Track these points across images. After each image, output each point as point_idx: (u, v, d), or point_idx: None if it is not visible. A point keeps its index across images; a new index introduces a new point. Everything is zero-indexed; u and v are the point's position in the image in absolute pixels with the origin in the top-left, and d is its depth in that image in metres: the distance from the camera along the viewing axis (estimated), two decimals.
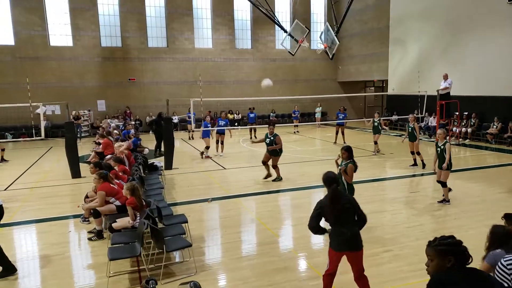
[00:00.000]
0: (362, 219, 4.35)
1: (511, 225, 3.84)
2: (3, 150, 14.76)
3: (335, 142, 16.77)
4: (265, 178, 10.74)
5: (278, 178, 10.64)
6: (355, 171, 6.55)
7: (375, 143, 14.46)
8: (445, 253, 2.61)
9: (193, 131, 19.33)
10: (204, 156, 14.45)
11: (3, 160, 14.56)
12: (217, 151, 15.03)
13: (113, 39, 23.29)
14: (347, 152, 6.58)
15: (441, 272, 2.62)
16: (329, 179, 4.39)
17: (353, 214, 4.31)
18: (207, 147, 14.42)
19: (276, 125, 13.09)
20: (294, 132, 21.48)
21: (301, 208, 8.58)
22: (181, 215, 6.76)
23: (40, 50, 21.82)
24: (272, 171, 10.72)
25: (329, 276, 4.45)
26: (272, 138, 10.44)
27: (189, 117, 18.43)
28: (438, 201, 8.39)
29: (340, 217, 4.28)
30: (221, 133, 14.85)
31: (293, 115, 22.94)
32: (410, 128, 11.89)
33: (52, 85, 21.95)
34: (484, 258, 3.52)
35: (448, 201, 8.32)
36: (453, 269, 2.57)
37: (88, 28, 22.57)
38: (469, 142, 16.78)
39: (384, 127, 14.82)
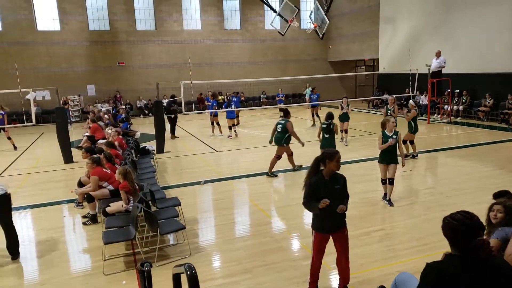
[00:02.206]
0: None
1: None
2: (9, 138, 14.29)
3: (313, 124, 16.67)
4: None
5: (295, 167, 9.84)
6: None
7: (345, 131, 12.65)
8: (445, 237, 2.42)
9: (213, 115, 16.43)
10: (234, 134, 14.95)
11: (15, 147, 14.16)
12: (213, 132, 15.44)
13: (101, 23, 22.88)
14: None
15: (438, 262, 2.44)
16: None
17: None
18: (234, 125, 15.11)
19: (261, 107, 13.67)
20: (280, 117, 20.30)
21: (293, 189, 8.65)
22: (174, 198, 6.79)
23: (28, 34, 21.41)
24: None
25: None
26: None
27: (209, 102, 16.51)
28: (385, 199, 7.20)
29: None
30: (216, 115, 15.30)
31: (277, 98, 21.66)
32: (389, 112, 11.19)
33: (41, 70, 21.65)
34: (492, 234, 3.43)
35: (389, 200, 7.13)
36: (455, 258, 2.38)
37: (76, 12, 22.13)
38: (460, 120, 16.90)
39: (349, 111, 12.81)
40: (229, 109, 15.23)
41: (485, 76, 16.54)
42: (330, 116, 9.09)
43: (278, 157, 9.46)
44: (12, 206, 7.21)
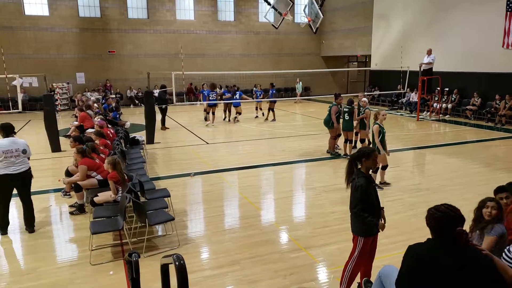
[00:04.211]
0: None
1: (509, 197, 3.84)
2: None
3: (273, 119, 16.80)
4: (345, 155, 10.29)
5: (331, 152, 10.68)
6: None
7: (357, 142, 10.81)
8: (428, 226, 2.65)
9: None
10: (235, 120, 16.55)
11: None
12: (207, 120, 16.03)
13: (92, 9, 22.49)
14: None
15: (419, 244, 2.64)
16: None
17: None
18: (239, 113, 16.66)
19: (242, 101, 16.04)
20: (256, 117, 17.80)
21: (283, 182, 8.69)
22: (163, 189, 6.77)
23: (14, 19, 20.91)
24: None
25: None
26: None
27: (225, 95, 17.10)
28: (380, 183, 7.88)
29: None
30: (213, 105, 15.86)
31: (254, 94, 18.35)
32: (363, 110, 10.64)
33: (29, 56, 21.24)
34: (488, 231, 3.50)
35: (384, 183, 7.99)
36: (435, 241, 2.58)
37: None
38: (449, 118, 17.09)
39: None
40: (232, 100, 16.39)
41: (474, 75, 16.71)
42: (351, 102, 10.20)
43: (335, 137, 10.58)
44: None
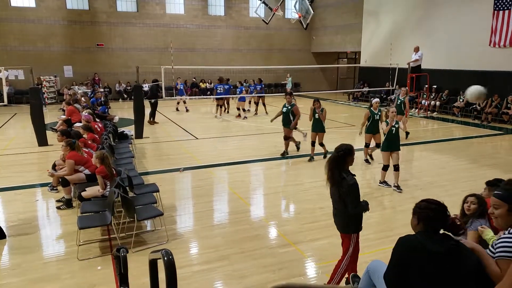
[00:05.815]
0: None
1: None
2: None
3: (256, 113, 17.30)
4: (283, 154, 10.24)
5: (286, 152, 10.32)
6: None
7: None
8: (414, 212, 2.79)
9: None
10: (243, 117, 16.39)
11: None
12: (218, 114, 16.72)
13: (80, 1, 22.13)
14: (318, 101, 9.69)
15: (409, 235, 2.72)
16: None
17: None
18: (244, 109, 16.65)
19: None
20: (244, 118, 16.35)
21: (272, 178, 8.70)
22: (152, 184, 6.72)
23: (0, 10, 20.50)
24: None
25: None
26: (289, 107, 10.01)
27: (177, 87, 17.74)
28: (393, 187, 7.66)
29: None
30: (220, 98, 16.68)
31: (239, 92, 17.16)
32: (399, 101, 11.92)
33: (14, 49, 20.83)
34: (469, 226, 3.55)
35: (398, 186, 7.62)
36: (424, 233, 2.66)
37: None
38: (436, 115, 17.27)
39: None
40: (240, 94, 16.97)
41: (461, 73, 16.89)
42: (317, 100, 9.79)
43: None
44: None
